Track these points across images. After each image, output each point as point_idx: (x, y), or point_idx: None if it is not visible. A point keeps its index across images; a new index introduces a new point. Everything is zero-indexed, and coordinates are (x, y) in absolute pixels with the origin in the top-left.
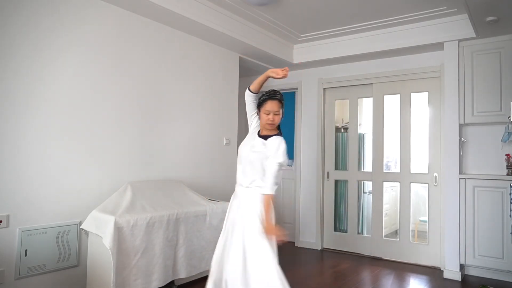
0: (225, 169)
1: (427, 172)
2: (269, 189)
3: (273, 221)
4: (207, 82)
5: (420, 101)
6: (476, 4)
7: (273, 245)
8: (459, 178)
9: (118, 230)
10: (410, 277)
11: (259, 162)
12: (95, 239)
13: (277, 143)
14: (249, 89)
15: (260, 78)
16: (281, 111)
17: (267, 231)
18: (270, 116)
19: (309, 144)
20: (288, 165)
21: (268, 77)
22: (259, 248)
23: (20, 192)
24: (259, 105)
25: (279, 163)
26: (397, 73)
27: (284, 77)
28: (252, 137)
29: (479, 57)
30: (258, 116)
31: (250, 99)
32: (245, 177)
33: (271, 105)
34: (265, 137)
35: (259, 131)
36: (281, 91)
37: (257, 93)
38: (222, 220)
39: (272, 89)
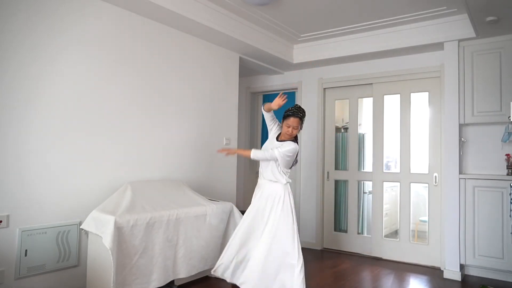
0: (225, 169)
1: (427, 172)
2: (253, 153)
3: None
4: (207, 82)
5: (420, 101)
6: (476, 4)
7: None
8: (459, 178)
9: (118, 230)
10: (410, 277)
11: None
12: (95, 239)
13: (288, 144)
14: (263, 109)
15: (268, 107)
16: (300, 126)
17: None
18: (290, 130)
19: (309, 144)
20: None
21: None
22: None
23: (20, 192)
24: (285, 117)
25: (278, 153)
26: (397, 73)
27: (282, 103)
28: (272, 141)
29: (479, 57)
30: (279, 125)
31: (265, 116)
32: (265, 172)
33: (292, 121)
34: (283, 142)
35: (278, 136)
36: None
37: (269, 112)
38: (222, 220)
39: (298, 105)
